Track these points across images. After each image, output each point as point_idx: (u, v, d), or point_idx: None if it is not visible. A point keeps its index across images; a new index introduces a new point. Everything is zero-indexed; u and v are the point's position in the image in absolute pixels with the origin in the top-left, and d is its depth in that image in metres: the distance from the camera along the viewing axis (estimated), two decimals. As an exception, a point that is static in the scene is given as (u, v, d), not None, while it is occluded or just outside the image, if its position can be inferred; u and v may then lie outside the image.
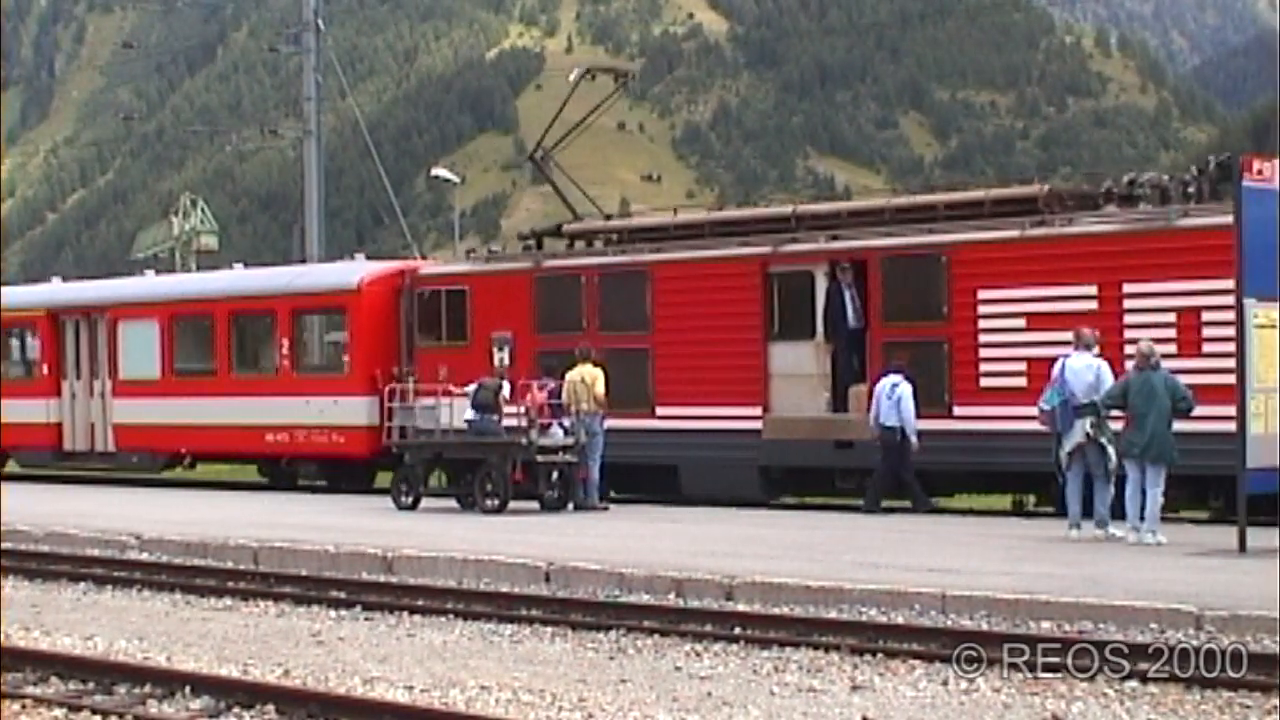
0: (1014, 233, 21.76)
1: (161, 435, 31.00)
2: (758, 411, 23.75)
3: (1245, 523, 16.08)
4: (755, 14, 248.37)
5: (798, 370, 23.58)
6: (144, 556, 19.51)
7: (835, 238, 23.47)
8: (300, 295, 29.76)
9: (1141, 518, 17.20)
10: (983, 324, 21.81)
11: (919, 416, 21.39)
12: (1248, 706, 10.17)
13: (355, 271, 29.51)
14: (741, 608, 14.23)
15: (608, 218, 28.27)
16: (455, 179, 71.17)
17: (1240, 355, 16.11)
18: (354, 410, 27.74)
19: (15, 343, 35.06)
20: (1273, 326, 16.38)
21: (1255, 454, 16.07)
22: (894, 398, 21.39)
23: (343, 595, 15.84)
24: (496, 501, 22.68)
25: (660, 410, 24.70)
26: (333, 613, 15.07)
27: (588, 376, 23.00)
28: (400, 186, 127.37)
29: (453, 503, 23.64)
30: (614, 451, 23.37)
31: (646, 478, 24.98)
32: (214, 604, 15.96)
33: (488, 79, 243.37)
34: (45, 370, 33.29)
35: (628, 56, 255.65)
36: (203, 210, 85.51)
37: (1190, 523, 19.02)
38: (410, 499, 23.71)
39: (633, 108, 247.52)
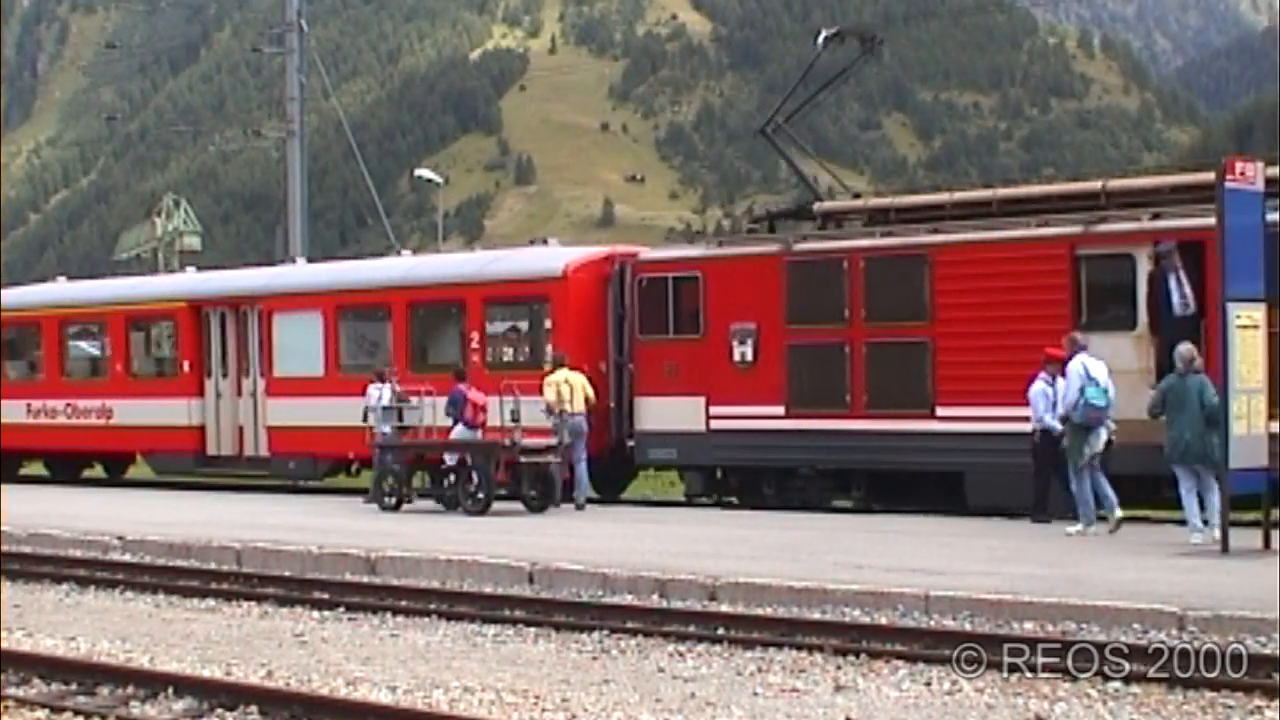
0: None
1: (325, 439, 27.85)
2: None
3: (1228, 523, 16.13)
4: (739, 14, 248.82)
5: (1114, 365, 19.89)
6: (127, 558, 19.47)
7: (1158, 215, 20.84)
8: (494, 283, 26.75)
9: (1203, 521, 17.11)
10: None
11: None
12: (1230, 707, 10.18)
13: (559, 257, 26.45)
14: (725, 608, 14.23)
15: (855, 196, 25.91)
16: (439, 180, 71.15)
17: (1224, 356, 16.16)
18: None
19: (142, 336, 32.43)
20: (1255, 327, 16.43)
21: (1239, 454, 16.12)
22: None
23: (326, 596, 15.82)
24: (480, 502, 22.68)
25: (941, 410, 22.00)
26: (316, 614, 15.05)
27: (573, 379, 23.05)
28: (384, 187, 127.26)
29: (436, 504, 23.61)
30: (883, 457, 22.02)
31: (924, 485, 22.54)
32: (197, 605, 15.93)
33: (471, 80, 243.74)
34: (186, 367, 30.40)
35: (611, 58, 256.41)
36: (186, 210, 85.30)
37: (1173, 523, 19.02)
38: (393, 500, 23.69)
39: (616, 108, 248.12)
